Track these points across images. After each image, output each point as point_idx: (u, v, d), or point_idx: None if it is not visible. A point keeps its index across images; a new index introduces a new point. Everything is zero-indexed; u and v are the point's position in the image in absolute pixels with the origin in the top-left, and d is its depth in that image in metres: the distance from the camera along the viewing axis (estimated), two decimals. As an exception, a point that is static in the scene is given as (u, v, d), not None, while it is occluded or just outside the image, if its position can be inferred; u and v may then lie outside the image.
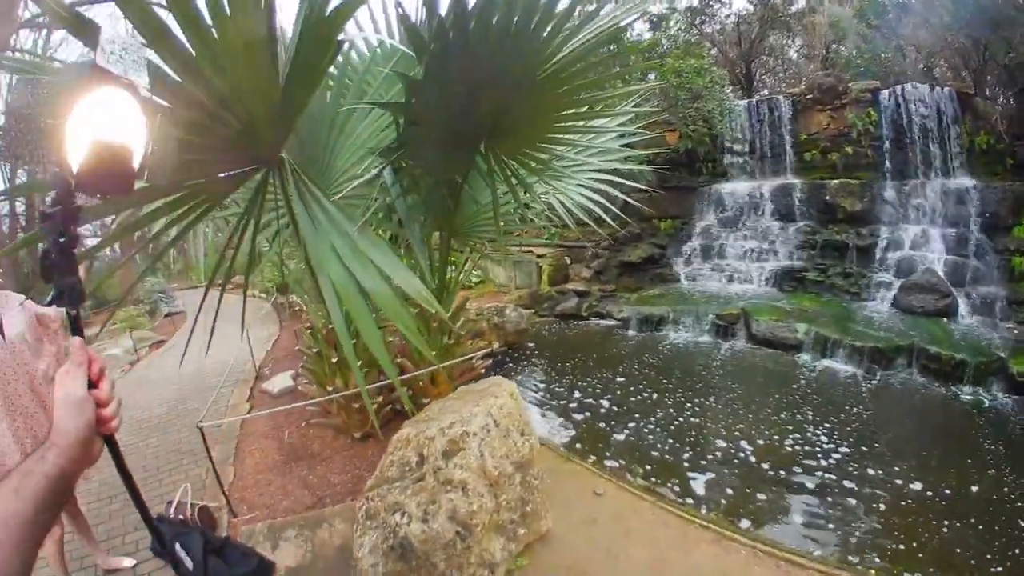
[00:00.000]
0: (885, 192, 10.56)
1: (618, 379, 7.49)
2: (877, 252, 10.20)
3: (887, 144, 10.85)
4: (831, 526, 4.31)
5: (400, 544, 2.60)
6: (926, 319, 8.49)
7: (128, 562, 3.25)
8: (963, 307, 8.75)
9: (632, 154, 4.10)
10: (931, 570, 3.78)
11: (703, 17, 16.58)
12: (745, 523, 4.26)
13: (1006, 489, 4.74)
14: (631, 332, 9.92)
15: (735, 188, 12.38)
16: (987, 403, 6.50)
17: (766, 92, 17.15)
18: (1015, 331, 7.97)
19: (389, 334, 4.57)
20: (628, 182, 3.94)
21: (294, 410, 4.88)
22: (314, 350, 4.61)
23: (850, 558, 3.87)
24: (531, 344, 9.10)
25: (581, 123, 3.33)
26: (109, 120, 0.70)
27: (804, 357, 8.02)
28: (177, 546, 2.83)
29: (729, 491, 4.79)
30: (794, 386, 7.06)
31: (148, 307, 13.29)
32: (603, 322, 10.56)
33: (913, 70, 13.28)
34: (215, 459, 4.30)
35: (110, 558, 3.25)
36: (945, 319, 8.49)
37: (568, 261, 12.13)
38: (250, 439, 4.87)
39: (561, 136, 3.14)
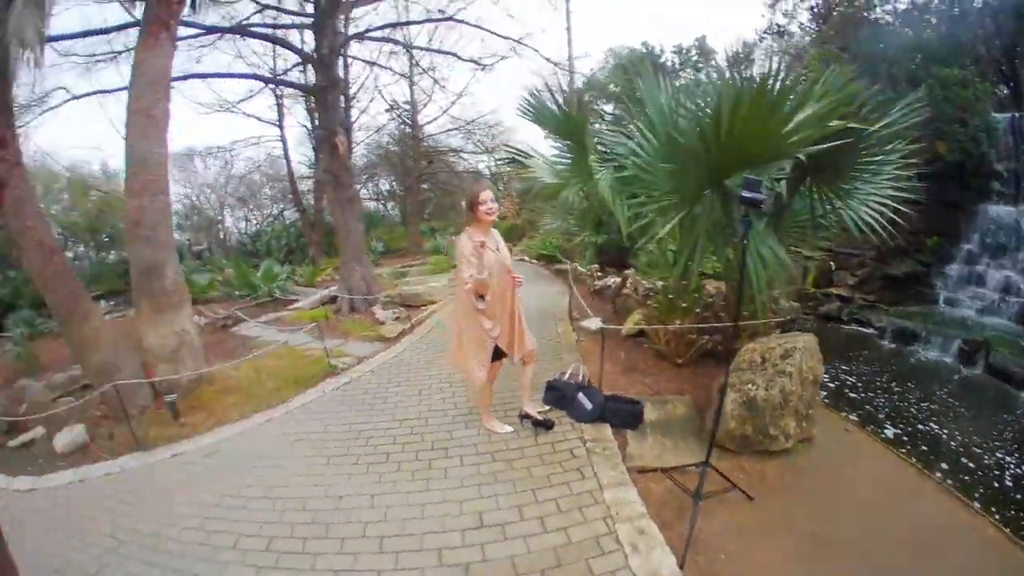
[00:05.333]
0: None
1: (864, 368, 8.94)
2: None
3: None
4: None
5: (750, 401, 4.24)
6: None
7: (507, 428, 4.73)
8: None
9: (907, 167, 4.81)
10: None
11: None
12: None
13: None
14: (884, 342, 10.78)
15: (1001, 212, 11.83)
16: None
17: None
18: None
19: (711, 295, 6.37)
20: (904, 194, 4.65)
21: (619, 340, 6.78)
22: (669, 296, 6.27)
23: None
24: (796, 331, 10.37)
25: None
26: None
27: (1031, 395, 8.30)
28: (580, 395, 4.83)
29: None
30: (1007, 414, 7.61)
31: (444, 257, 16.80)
32: (860, 329, 11.48)
33: None
34: (568, 361, 6.29)
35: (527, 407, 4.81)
36: None
37: (833, 267, 12.83)
38: (588, 356, 6.53)
39: (860, 171, 4.61)
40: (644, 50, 25.08)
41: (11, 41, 4.97)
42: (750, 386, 4.31)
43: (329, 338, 7.29)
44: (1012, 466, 6.13)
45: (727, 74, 4.93)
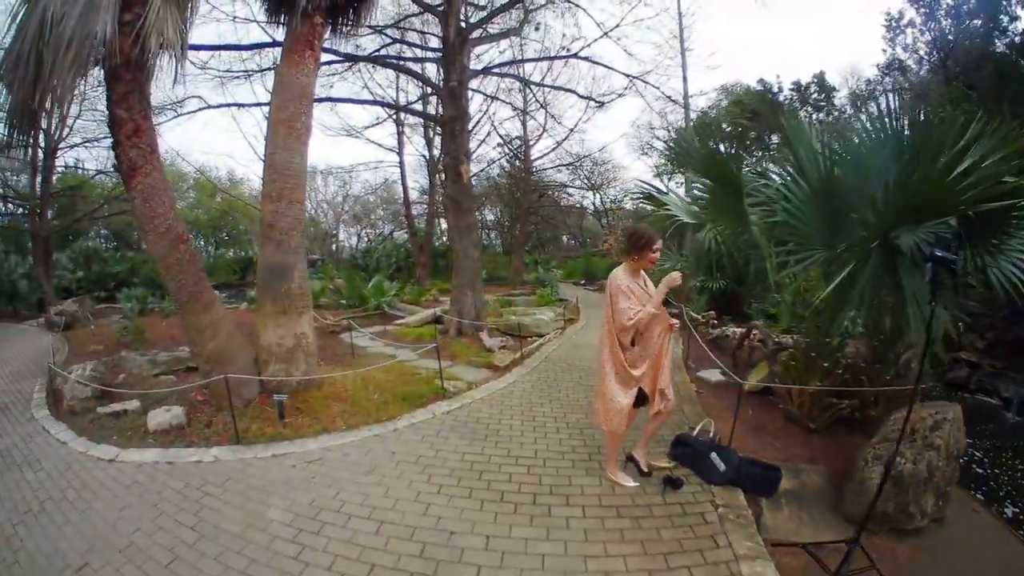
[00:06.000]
0: None
1: (988, 442, 8.14)
2: None
3: None
4: None
5: (897, 476, 3.85)
6: None
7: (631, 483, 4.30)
8: None
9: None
10: None
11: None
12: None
13: None
14: (1009, 414, 9.68)
15: None
16: None
17: None
18: None
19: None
20: None
21: (742, 396, 6.07)
22: (811, 354, 5.64)
23: None
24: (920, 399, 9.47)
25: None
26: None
27: None
28: (713, 454, 4.34)
29: None
30: None
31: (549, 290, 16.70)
32: (986, 399, 10.37)
33: None
34: (688, 414, 5.81)
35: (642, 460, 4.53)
36: None
37: (962, 328, 11.63)
38: (710, 410, 6.05)
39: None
40: (761, 88, 24.21)
41: (150, 33, 5.15)
42: (898, 459, 3.90)
43: (436, 357, 7.14)
44: None
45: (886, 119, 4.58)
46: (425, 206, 28.07)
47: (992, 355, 11.04)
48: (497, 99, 20.15)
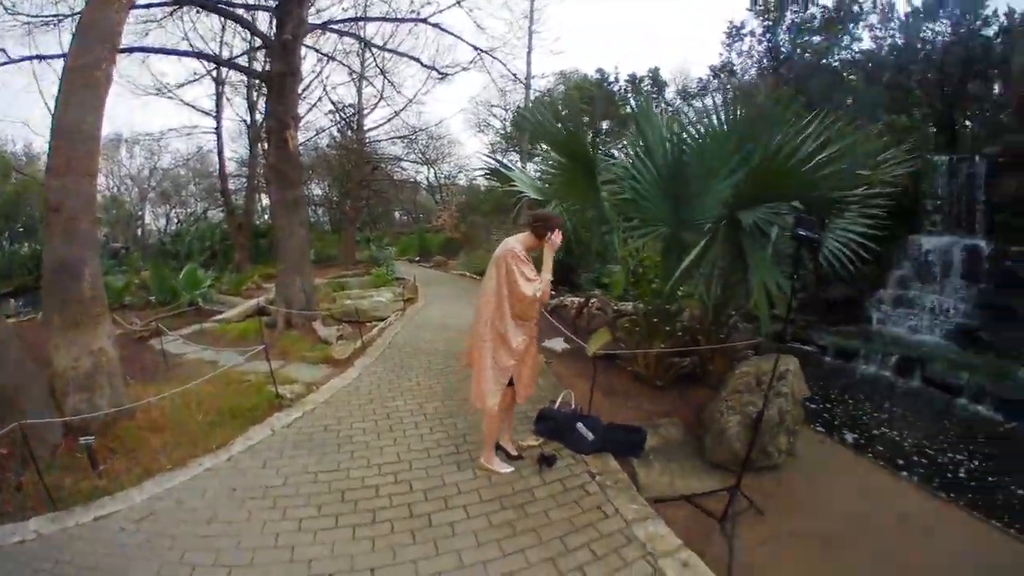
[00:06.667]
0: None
1: (814, 383, 9.00)
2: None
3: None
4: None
5: (751, 421, 4.19)
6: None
7: (506, 469, 4.20)
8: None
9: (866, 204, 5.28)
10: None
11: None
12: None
13: None
14: (827, 358, 11.87)
15: (931, 243, 13.17)
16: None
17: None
18: None
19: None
20: (870, 230, 5.20)
21: (589, 362, 5.93)
22: (654, 320, 6.08)
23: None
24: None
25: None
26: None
27: (961, 400, 9.18)
28: (579, 424, 4.50)
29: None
30: (948, 417, 8.69)
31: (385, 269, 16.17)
32: (804, 347, 12.35)
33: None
34: (542, 386, 5.82)
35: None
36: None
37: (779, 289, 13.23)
38: (563, 380, 6.21)
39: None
40: (599, 76, 25.32)
41: None
42: (751, 407, 4.41)
43: (265, 359, 6.24)
44: (964, 461, 6.80)
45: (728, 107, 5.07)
46: (244, 179, 25.46)
47: (804, 312, 13.19)
48: (334, 59, 18.40)
